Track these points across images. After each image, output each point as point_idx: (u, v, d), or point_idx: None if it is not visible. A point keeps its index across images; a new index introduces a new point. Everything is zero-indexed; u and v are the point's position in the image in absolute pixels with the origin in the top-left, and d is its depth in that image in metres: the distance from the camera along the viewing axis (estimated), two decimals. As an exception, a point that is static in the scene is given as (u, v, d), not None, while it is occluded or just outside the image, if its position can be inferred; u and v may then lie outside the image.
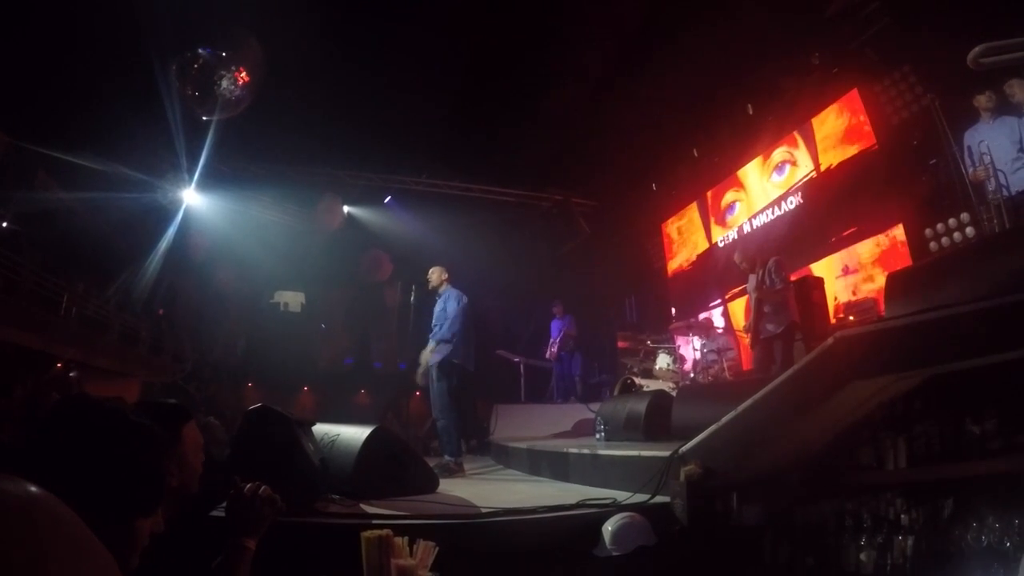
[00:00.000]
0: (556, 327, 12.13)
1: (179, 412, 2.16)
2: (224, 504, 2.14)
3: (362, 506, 3.81)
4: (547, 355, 12.12)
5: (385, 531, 2.41)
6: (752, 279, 7.79)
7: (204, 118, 10.70)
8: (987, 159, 6.44)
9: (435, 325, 6.96)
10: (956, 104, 7.14)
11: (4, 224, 12.73)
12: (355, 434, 4.36)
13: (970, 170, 6.70)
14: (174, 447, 2.00)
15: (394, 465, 4.39)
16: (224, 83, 9.64)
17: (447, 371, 6.68)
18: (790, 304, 7.23)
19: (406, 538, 2.42)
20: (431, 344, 6.89)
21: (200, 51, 9.58)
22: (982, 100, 6.70)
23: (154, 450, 1.30)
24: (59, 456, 1.16)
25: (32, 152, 12.61)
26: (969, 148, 6.76)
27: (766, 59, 9.91)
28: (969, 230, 6.77)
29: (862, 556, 2.92)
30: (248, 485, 2.10)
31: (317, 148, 13.40)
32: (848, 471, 3.43)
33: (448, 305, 6.87)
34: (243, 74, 9.77)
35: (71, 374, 14.28)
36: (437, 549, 2.41)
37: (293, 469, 3.64)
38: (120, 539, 1.20)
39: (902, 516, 2.95)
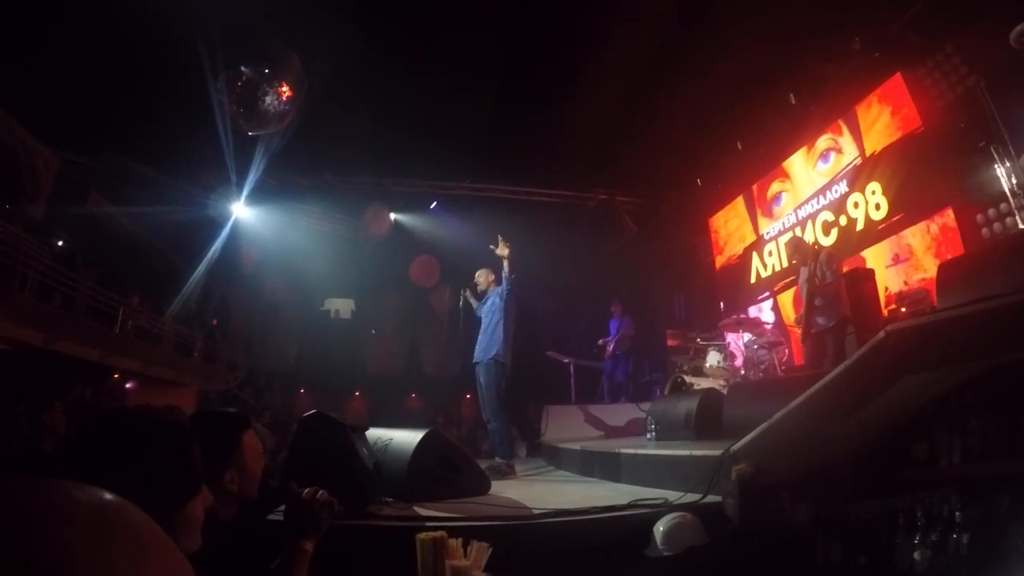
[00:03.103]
0: (614, 326, 12.10)
1: (239, 420, 2.24)
2: (282, 508, 2.21)
3: (415, 508, 3.86)
4: (604, 352, 12.08)
5: (439, 533, 2.47)
6: (803, 272, 7.67)
7: (251, 134, 10.94)
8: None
9: (484, 318, 7.05)
10: (1002, 84, 6.94)
11: (60, 243, 13.18)
12: (407, 438, 4.42)
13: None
14: (233, 453, 2.09)
15: (446, 468, 4.44)
16: (268, 99, 9.84)
17: (496, 372, 6.72)
18: (842, 298, 7.09)
19: (460, 539, 2.46)
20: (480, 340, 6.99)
21: (244, 68, 9.79)
22: None
23: (178, 442, 1.36)
24: (94, 460, 1.24)
25: (84, 170, 13.06)
26: None
27: (806, 47, 9.75)
28: (1023, 214, 6.57)
29: (916, 555, 2.88)
30: (307, 489, 2.16)
31: (362, 158, 13.59)
32: (902, 468, 3.37)
33: (495, 302, 6.95)
34: (286, 89, 9.96)
35: (127, 385, 14.77)
36: (491, 550, 2.45)
37: (348, 473, 3.71)
38: (179, 525, 1.28)
39: (957, 513, 2.88)
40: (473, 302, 7.32)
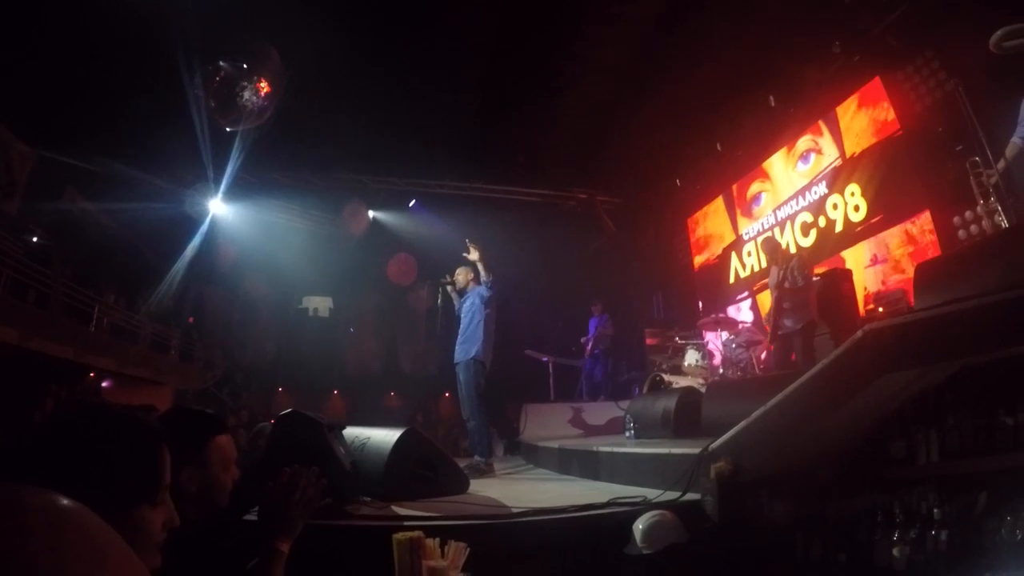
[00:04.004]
0: (593, 324, 12.12)
1: (211, 422, 2.17)
2: (257, 509, 2.17)
3: (393, 508, 3.82)
4: (586, 351, 12.08)
5: (416, 532, 2.43)
6: (775, 273, 7.70)
7: (228, 130, 10.81)
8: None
9: (463, 318, 7.02)
10: (980, 88, 7.02)
11: (35, 239, 12.98)
12: (385, 437, 4.38)
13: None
14: (194, 451, 2.02)
15: (424, 467, 4.40)
16: (246, 95, 9.73)
17: (475, 370, 6.70)
18: (810, 302, 7.15)
19: (437, 539, 2.43)
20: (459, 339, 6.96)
21: (222, 63, 9.67)
22: None
23: (138, 437, 1.29)
24: (49, 455, 1.19)
25: (60, 165, 12.84)
26: None
27: (787, 50, 9.82)
28: (998, 217, 6.66)
29: (895, 552, 2.88)
30: (271, 484, 2.10)
31: (341, 154, 13.50)
32: (880, 466, 3.38)
33: (475, 302, 6.92)
34: (264, 85, 9.85)
35: (104, 383, 14.58)
36: (468, 550, 2.42)
37: (324, 472, 3.66)
38: (127, 533, 1.22)
39: (935, 510, 2.89)
40: (454, 296, 7.29)
